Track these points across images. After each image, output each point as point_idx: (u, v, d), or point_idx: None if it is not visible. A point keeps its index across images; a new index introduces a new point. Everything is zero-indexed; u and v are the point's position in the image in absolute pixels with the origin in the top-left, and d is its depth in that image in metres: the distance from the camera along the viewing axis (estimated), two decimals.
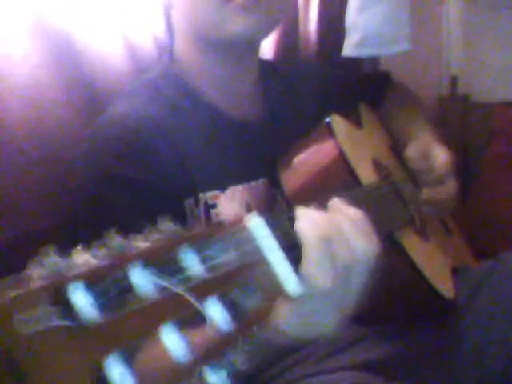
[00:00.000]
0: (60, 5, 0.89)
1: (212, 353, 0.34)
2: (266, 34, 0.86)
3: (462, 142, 1.57)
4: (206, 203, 0.78)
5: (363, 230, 0.52)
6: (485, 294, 0.88)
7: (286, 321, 0.47)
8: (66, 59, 0.89)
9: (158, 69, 0.89)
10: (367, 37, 1.10)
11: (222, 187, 0.80)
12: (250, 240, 0.41)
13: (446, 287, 0.84)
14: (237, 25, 0.77)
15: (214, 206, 0.79)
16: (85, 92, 0.91)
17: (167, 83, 0.85)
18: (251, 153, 0.85)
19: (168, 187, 0.74)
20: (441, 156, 0.97)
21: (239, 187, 0.82)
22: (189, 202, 0.77)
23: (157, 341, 0.32)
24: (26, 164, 0.84)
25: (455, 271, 0.93)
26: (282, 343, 0.54)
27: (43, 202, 0.85)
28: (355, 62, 1.22)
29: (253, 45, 0.86)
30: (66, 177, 0.85)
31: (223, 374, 0.35)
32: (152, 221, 0.36)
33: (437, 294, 0.79)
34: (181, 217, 0.75)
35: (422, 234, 0.90)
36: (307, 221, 0.49)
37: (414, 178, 0.99)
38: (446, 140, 1.07)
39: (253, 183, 0.83)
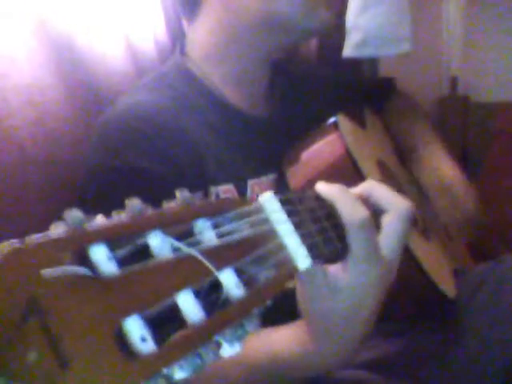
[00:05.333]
0: (62, 6, 0.89)
1: (227, 321, 0.34)
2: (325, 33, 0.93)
3: (461, 142, 1.57)
4: (217, 196, 0.79)
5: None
6: (485, 295, 0.88)
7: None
8: (68, 60, 0.89)
9: (171, 63, 0.89)
10: (368, 37, 1.10)
11: (233, 181, 0.80)
12: (260, 211, 0.41)
13: (448, 286, 0.84)
14: (324, 15, 0.84)
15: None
16: (86, 93, 0.91)
17: (180, 77, 0.86)
18: (261, 148, 0.86)
19: (179, 179, 0.75)
20: (458, 185, 0.98)
21: (250, 182, 0.82)
22: (199, 195, 0.77)
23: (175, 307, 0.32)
24: (26, 164, 0.84)
25: (455, 272, 0.93)
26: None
27: (43, 202, 0.85)
28: (355, 62, 1.23)
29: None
30: (69, 175, 0.85)
31: (237, 344, 0.35)
32: None
33: (439, 293, 0.79)
34: None
35: (424, 234, 0.91)
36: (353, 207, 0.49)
37: (419, 184, 0.99)
38: (446, 140, 1.07)
39: (263, 178, 0.84)
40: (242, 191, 0.80)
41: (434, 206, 0.98)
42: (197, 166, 0.78)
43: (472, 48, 1.60)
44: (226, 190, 0.79)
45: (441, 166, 1.02)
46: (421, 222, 0.90)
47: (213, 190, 0.78)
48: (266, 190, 0.82)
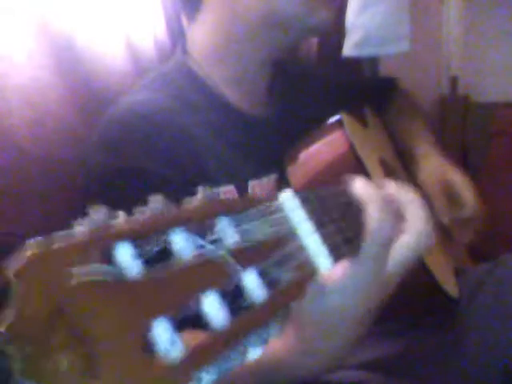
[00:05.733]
0: (62, 6, 0.89)
1: (253, 324, 0.34)
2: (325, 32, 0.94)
3: (461, 142, 1.57)
4: None
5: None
6: (485, 295, 0.88)
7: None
8: (68, 60, 0.89)
9: (172, 62, 0.89)
10: (367, 37, 1.10)
11: (234, 182, 0.80)
12: (280, 210, 0.41)
13: (450, 286, 0.84)
14: (325, 14, 0.84)
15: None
16: (86, 92, 0.91)
17: (181, 76, 0.85)
18: (263, 149, 0.86)
19: (180, 179, 0.74)
20: (459, 185, 0.99)
21: (251, 183, 0.82)
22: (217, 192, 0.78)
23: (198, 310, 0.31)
24: (26, 164, 0.84)
25: (456, 272, 0.93)
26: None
27: (43, 201, 0.85)
28: (355, 61, 1.23)
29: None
30: (69, 174, 0.85)
31: (260, 348, 0.34)
32: None
33: (443, 293, 0.79)
34: None
35: None
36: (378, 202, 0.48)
37: (418, 182, 0.99)
38: (446, 140, 1.07)
39: (264, 179, 0.84)
40: (242, 192, 0.80)
41: (434, 206, 0.98)
42: (198, 167, 0.78)
43: (472, 48, 1.60)
44: (226, 191, 0.79)
45: (440, 165, 1.02)
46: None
47: (214, 190, 0.78)
48: (267, 190, 0.82)
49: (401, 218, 0.52)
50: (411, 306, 0.81)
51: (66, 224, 0.30)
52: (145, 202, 0.33)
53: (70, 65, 0.89)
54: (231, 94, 0.86)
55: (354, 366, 0.83)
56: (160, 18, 1.03)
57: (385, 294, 0.51)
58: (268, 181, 0.84)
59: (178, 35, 0.98)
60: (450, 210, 0.98)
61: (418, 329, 0.87)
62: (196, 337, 0.30)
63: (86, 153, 0.80)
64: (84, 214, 0.30)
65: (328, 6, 0.84)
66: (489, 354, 0.83)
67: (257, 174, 0.83)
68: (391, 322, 0.86)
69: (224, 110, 0.85)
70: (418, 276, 0.76)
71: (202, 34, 0.87)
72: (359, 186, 0.50)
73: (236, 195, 0.79)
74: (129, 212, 0.32)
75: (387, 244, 0.48)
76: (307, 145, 0.84)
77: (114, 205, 0.33)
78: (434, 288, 0.78)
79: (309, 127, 0.86)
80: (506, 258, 0.92)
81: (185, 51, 0.88)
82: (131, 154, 0.74)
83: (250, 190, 0.81)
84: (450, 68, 1.65)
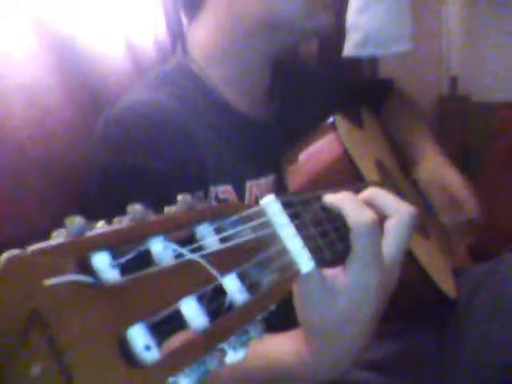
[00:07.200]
0: (62, 6, 0.89)
1: (232, 327, 0.34)
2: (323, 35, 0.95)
3: (461, 142, 1.57)
4: (216, 197, 0.79)
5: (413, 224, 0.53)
6: (485, 294, 0.88)
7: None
8: (68, 60, 0.89)
9: (173, 62, 0.90)
10: (368, 37, 1.10)
11: (233, 182, 0.80)
12: (262, 215, 0.41)
13: (448, 286, 0.84)
14: (325, 17, 0.85)
15: (224, 200, 0.79)
16: (86, 93, 0.91)
17: (182, 76, 0.86)
18: (261, 149, 0.86)
19: (180, 178, 0.75)
20: (458, 185, 0.99)
21: (249, 183, 0.82)
22: (198, 195, 0.78)
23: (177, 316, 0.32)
24: (25, 164, 0.84)
25: (455, 271, 0.93)
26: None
27: (43, 202, 0.85)
28: (355, 61, 1.22)
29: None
30: (69, 175, 0.85)
31: (242, 351, 0.34)
32: (163, 209, 0.36)
33: (440, 293, 0.79)
34: None
35: (423, 233, 0.91)
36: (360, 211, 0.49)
37: (417, 183, 0.99)
38: (446, 140, 1.07)
39: (262, 180, 0.84)
40: (240, 193, 0.80)
41: (434, 206, 0.98)
42: (197, 166, 0.78)
43: (472, 48, 1.60)
44: (224, 191, 0.79)
45: (439, 166, 1.02)
46: (420, 220, 0.90)
47: (212, 190, 0.78)
48: (264, 191, 0.83)
49: (383, 217, 0.52)
50: (409, 307, 0.81)
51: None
52: (144, 200, 0.33)
53: (70, 65, 0.89)
54: (231, 95, 0.86)
55: (353, 366, 0.83)
56: (160, 18, 1.03)
57: (390, 287, 0.51)
58: (266, 181, 0.84)
59: (177, 35, 0.98)
60: (450, 210, 0.98)
61: (418, 329, 0.87)
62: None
63: (87, 153, 0.80)
64: (84, 215, 0.30)
65: (327, 10, 0.85)
66: (489, 354, 0.83)
67: (255, 175, 0.83)
68: (390, 322, 0.86)
69: (223, 110, 0.85)
70: (415, 277, 0.76)
71: (202, 33, 0.87)
72: (329, 198, 0.51)
73: (234, 195, 0.79)
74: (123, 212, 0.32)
75: (373, 231, 0.48)
76: (303, 147, 0.84)
77: (116, 203, 0.33)
78: (432, 289, 0.78)
79: (308, 128, 0.86)
80: (505, 258, 0.92)
81: (185, 51, 0.88)
82: (130, 153, 0.75)
83: (247, 191, 0.81)
84: (450, 68, 1.65)
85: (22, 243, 0.28)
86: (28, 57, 0.84)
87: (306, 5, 0.83)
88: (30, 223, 0.81)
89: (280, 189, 0.83)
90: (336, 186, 0.54)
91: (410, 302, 0.80)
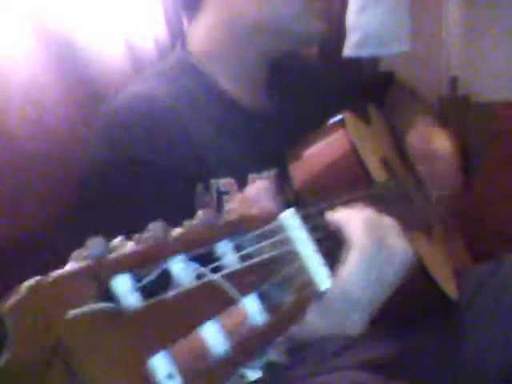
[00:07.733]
0: (61, 5, 0.89)
1: (251, 352, 0.34)
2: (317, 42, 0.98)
3: (461, 142, 1.57)
4: (218, 189, 0.79)
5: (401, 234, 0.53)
6: (486, 295, 0.88)
7: (313, 320, 0.47)
8: (67, 59, 0.89)
9: (173, 57, 0.90)
10: (367, 37, 1.10)
11: (234, 175, 0.81)
12: (281, 231, 0.41)
13: (450, 288, 0.84)
14: (318, 24, 0.87)
15: (226, 192, 0.79)
16: (86, 91, 0.91)
17: (182, 71, 0.87)
18: (263, 143, 0.86)
19: (181, 172, 0.75)
20: (444, 142, 0.98)
21: (251, 176, 0.82)
22: (200, 187, 0.78)
23: (196, 338, 0.31)
24: (25, 163, 0.84)
25: (456, 273, 0.93)
26: (305, 339, 0.54)
27: (43, 201, 0.85)
28: (355, 61, 1.22)
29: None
30: (68, 173, 0.85)
31: (260, 371, 0.34)
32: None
33: (442, 295, 0.79)
34: (190, 201, 0.76)
35: (428, 234, 0.90)
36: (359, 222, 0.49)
37: (419, 179, 0.99)
38: None
39: (264, 173, 0.84)
40: (242, 185, 0.80)
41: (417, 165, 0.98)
42: (198, 159, 0.78)
43: (472, 48, 1.60)
44: (226, 184, 0.79)
45: (429, 133, 1.01)
46: (423, 220, 0.90)
47: (213, 182, 0.79)
48: (269, 183, 0.82)
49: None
50: (410, 307, 0.81)
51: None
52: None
53: (69, 64, 0.89)
54: (232, 89, 0.87)
55: (353, 366, 0.83)
56: (160, 18, 1.03)
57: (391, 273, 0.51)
58: (268, 175, 0.84)
59: (178, 35, 0.98)
60: (433, 181, 0.97)
61: (418, 329, 0.87)
62: None
63: (87, 149, 0.80)
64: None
65: (320, 17, 0.87)
66: (489, 354, 0.83)
67: (256, 168, 0.83)
68: (391, 322, 0.86)
69: (225, 104, 0.86)
70: (417, 277, 0.76)
71: (202, 32, 0.88)
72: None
73: (235, 187, 0.79)
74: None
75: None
76: (310, 143, 0.84)
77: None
78: (433, 289, 0.78)
79: (309, 123, 0.86)
80: (506, 258, 0.92)
81: (185, 48, 0.89)
82: (130, 148, 0.75)
83: (249, 183, 0.81)
84: (450, 68, 1.64)
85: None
86: (27, 56, 0.84)
87: (298, 11, 0.85)
88: (29, 221, 0.81)
89: (283, 183, 0.83)
90: (342, 181, 0.53)
91: (411, 303, 0.80)
